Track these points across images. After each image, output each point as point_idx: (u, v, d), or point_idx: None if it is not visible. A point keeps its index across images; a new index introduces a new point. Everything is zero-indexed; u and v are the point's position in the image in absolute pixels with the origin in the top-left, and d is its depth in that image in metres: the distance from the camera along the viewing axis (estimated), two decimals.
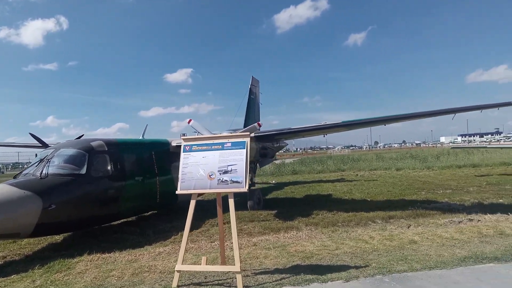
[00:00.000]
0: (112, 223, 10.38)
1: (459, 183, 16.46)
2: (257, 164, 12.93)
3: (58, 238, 9.49)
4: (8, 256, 8.07)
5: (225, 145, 6.01)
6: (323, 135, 12.96)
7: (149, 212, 12.36)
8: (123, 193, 9.47)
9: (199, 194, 8.35)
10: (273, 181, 22.75)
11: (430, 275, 5.53)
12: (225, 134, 11.25)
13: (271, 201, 14.37)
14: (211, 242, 8.23)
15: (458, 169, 23.93)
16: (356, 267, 6.02)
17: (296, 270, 6.05)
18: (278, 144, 13.83)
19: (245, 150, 5.91)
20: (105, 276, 6.28)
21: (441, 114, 10.43)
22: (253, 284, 5.52)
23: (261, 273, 6.02)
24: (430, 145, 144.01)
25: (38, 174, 8.06)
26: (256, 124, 10.05)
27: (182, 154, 6.12)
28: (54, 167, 8.36)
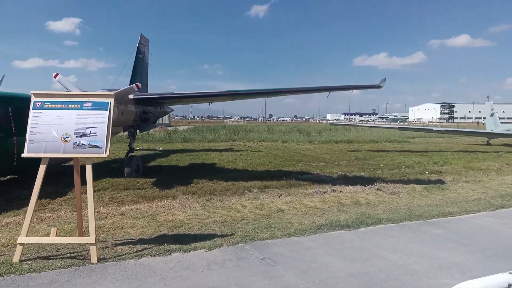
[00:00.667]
0: None
1: (333, 156, 18.02)
2: (137, 129, 12.17)
3: None
4: None
5: (84, 105, 5.35)
6: (208, 103, 12.77)
7: (7, 177, 10.83)
8: None
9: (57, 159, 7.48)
10: (160, 148, 22.00)
11: (288, 242, 5.85)
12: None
13: (154, 169, 13.83)
14: (74, 211, 7.49)
15: (335, 144, 26.23)
16: (222, 236, 6.07)
17: (160, 240, 5.85)
18: (162, 109, 13.17)
19: (107, 111, 5.35)
20: None
21: (317, 91, 11.08)
22: (111, 256, 5.16)
23: (122, 243, 5.67)
24: (317, 121, 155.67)
25: None
26: (134, 85, 9.29)
27: (32, 112, 5.29)
28: None
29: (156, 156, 17.64)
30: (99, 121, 5.28)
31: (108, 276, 4.51)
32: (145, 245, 5.60)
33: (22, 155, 5.14)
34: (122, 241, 5.79)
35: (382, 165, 14.92)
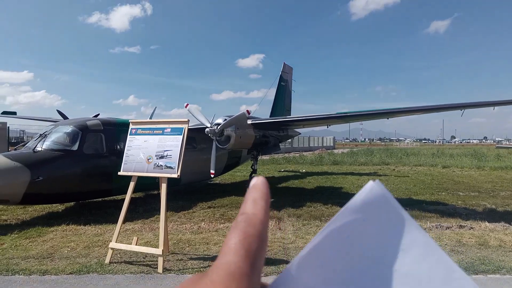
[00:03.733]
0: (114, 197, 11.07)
1: (495, 186, 14.84)
2: (259, 152, 12.81)
3: (61, 207, 10.36)
4: (8, 219, 9.03)
5: (165, 130, 6.11)
6: (326, 126, 12.44)
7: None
8: (113, 171, 10.03)
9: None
10: (303, 170, 22.38)
11: None
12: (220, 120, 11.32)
13: (280, 190, 14.22)
14: (180, 224, 8.43)
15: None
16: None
17: None
18: (285, 133, 13.52)
19: (181, 136, 5.95)
20: (61, 246, 6.79)
21: (451, 109, 9.51)
22: (178, 268, 5.63)
23: (197, 258, 6.10)
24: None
25: (32, 147, 8.84)
26: (245, 111, 9.94)
27: (128, 137, 6.33)
28: (49, 142, 9.09)
29: (292, 178, 18.05)
30: (174, 145, 5.93)
31: (160, 286, 4.94)
32: (208, 262, 5.88)
33: (118, 173, 6.17)
34: (198, 256, 6.22)
35: None
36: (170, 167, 5.82)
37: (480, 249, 6.64)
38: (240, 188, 12.74)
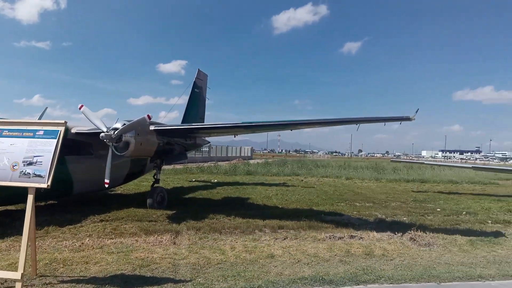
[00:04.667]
0: None
1: (388, 197, 16.11)
2: (163, 161, 12.22)
3: None
4: None
5: (37, 133, 5.35)
6: (234, 135, 12.36)
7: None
8: None
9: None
10: (215, 180, 22.10)
11: None
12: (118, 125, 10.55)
13: (186, 201, 13.74)
14: (61, 240, 7.51)
15: (404, 183, 23.71)
16: (176, 282, 5.45)
17: (111, 280, 5.44)
18: (193, 141, 13.13)
19: (56, 140, 5.25)
20: None
21: (343, 123, 10.15)
22: None
23: (70, 281, 5.38)
24: (411, 157, 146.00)
25: None
26: (145, 116, 9.35)
27: None
28: None
29: (201, 188, 17.62)
30: (46, 150, 5.20)
31: None
32: (89, 285, 5.23)
33: None
34: (72, 278, 5.50)
35: (439, 209, 12.81)
36: (40, 176, 5.07)
37: (366, 259, 6.94)
38: (143, 199, 11.95)
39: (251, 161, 47.19)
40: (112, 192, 14.82)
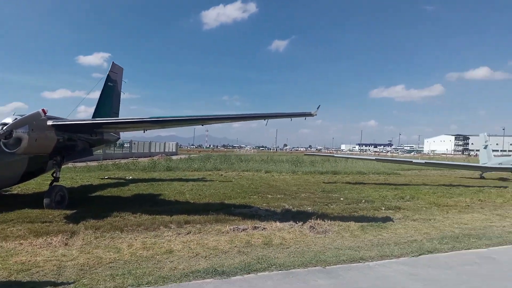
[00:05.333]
0: None
1: (299, 188, 16.85)
2: (64, 158, 11.35)
3: None
4: None
5: None
6: (143, 131, 11.88)
7: None
8: None
9: None
10: (129, 177, 21.21)
11: None
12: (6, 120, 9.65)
13: (93, 199, 12.96)
14: None
15: (318, 175, 24.98)
16: (56, 285, 5.09)
17: None
18: (98, 137, 12.42)
19: None
20: None
21: (253, 119, 10.32)
22: None
23: None
24: (331, 151, 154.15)
25: None
26: (40, 110, 8.61)
27: None
28: None
29: (112, 186, 16.77)
30: None
31: None
32: None
33: None
34: None
35: (342, 198, 13.73)
36: None
37: (264, 248, 7.16)
38: (40, 199, 11.00)
39: (174, 157, 46.24)
40: (7, 193, 13.44)
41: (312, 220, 9.36)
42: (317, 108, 9.35)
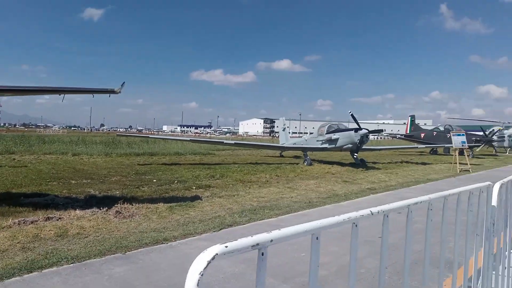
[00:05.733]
0: None
1: (110, 172, 15.76)
2: None
3: None
4: None
5: None
6: None
7: None
8: None
9: None
10: None
11: None
12: None
13: None
14: None
15: (133, 157, 23.98)
16: None
17: None
18: None
19: None
20: None
21: (49, 93, 8.91)
22: None
23: None
24: (152, 131, 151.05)
25: None
26: None
27: None
28: None
29: None
30: None
31: None
32: None
33: None
34: None
35: (155, 180, 13.52)
36: None
37: (56, 241, 6.31)
38: None
39: None
40: None
41: (119, 204, 8.83)
42: (121, 86, 8.74)
